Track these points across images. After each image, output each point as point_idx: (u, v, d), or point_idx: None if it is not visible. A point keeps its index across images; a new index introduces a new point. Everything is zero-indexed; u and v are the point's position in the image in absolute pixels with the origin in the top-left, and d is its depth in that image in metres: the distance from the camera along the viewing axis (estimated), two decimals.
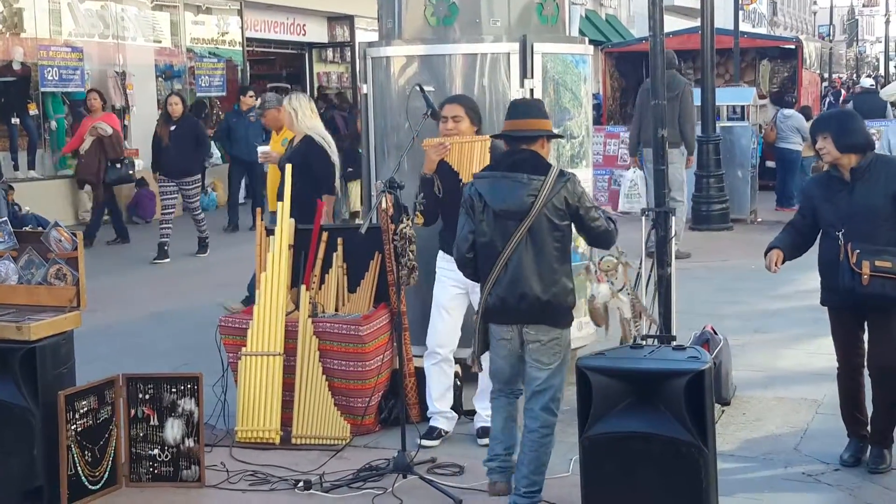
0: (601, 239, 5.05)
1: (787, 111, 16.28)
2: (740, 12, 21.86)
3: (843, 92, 20.61)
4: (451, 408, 6.05)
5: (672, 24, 24.27)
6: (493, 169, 5.06)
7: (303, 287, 6.20)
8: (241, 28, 19.89)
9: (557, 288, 4.87)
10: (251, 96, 14.78)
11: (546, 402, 4.90)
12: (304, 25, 21.97)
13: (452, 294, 5.84)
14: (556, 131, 5.19)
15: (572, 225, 4.94)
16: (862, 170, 5.25)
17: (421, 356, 6.06)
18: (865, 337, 5.41)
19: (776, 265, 5.41)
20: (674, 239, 6.44)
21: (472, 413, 6.03)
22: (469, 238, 5.00)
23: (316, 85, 22.95)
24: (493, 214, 4.89)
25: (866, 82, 20.54)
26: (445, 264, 5.83)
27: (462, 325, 5.94)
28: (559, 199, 4.83)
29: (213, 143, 17.36)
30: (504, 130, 5.05)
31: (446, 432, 5.93)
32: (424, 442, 5.76)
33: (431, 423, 5.94)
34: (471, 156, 5.68)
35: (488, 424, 5.89)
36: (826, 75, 35.74)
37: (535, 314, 4.88)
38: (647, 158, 11.43)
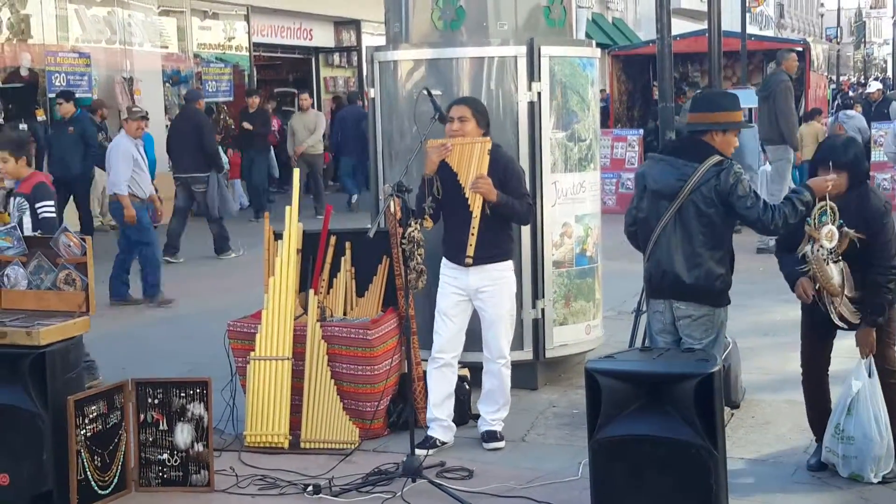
0: (756, 227, 5.19)
1: (849, 112, 16.56)
2: (747, 15, 21.83)
3: (850, 94, 20.48)
4: (460, 412, 6.03)
5: (679, 26, 24.20)
6: (661, 151, 5.43)
7: (311, 291, 6.20)
8: (248, 33, 19.90)
9: (701, 272, 5.06)
10: (68, 101, 13.29)
11: None
12: (310, 30, 21.98)
13: (454, 301, 5.80)
14: (726, 121, 5.12)
15: (725, 212, 5.06)
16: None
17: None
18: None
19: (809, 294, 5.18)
20: None
21: (479, 417, 6.01)
22: (633, 213, 5.38)
23: (323, 89, 22.96)
24: (650, 193, 5.16)
25: (874, 85, 20.85)
26: (448, 271, 5.81)
27: (467, 329, 5.90)
28: (708, 188, 5.02)
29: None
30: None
31: (443, 443, 5.81)
32: (418, 451, 5.54)
33: (428, 431, 5.82)
34: (470, 157, 5.66)
35: (492, 428, 5.88)
36: (834, 77, 35.73)
37: (680, 292, 5.10)
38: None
